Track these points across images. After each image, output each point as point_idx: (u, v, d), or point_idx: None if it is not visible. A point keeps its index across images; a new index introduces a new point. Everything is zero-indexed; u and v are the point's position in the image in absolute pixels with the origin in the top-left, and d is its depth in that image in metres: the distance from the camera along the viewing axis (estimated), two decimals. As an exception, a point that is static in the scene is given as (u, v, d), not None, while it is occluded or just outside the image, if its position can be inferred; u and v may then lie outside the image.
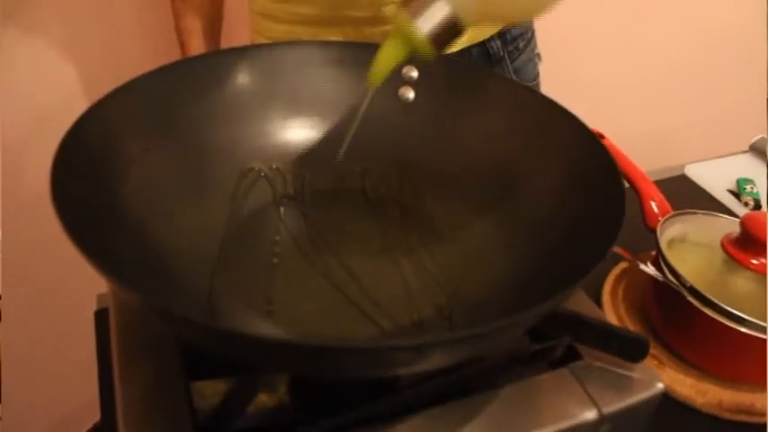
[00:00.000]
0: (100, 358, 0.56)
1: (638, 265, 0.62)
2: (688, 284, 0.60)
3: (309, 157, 0.55)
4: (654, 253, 0.65)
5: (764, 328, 0.57)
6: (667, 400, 0.60)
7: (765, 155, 0.92)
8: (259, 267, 0.48)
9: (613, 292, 0.70)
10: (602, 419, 0.42)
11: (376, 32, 0.73)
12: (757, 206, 0.83)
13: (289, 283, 0.47)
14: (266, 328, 0.44)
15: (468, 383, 0.42)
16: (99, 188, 0.42)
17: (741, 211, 0.82)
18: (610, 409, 0.42)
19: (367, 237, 0.52)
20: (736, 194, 0.86)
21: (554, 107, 0.49)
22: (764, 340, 0.57)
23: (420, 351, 0.32)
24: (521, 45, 0.87)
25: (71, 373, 1.00)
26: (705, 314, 0.58)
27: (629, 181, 0.73)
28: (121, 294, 0.46)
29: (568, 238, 0.44)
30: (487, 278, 0.47)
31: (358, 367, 0.34)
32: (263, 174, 0.53)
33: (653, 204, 0.70)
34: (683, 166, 0.90)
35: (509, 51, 0.85)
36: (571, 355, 0.46)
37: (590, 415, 0.42)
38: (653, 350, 0.64)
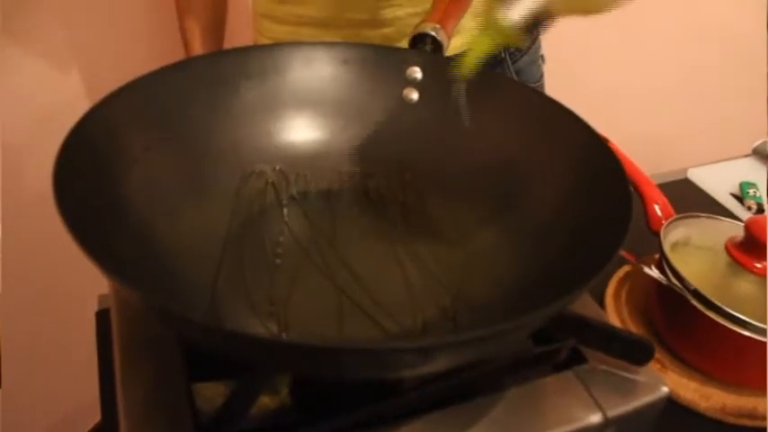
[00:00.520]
0: (101, 359, 0.55)
1: (641, 269, 0.61)
2: (692, 288, 0.59)
3: (313, 158, 0.54)
4: (657, 256, 0.64)
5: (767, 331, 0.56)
6: (670, 404, 0.60)
7: (768, 159, 0.92)
8: (262, 268, 0.47)
9: (616, 295, 0.70)
10: (607, 423, 0.42)
11: (375, 35, 0.73)
12: (760, 210, 0.83)
13: (291, 284, 0.47)
14: (268, 329, 0.43)
15: (471, 386, 0.42)
16: (101, 187, 0.42)
17: (744, 214, 0.82)
18: (614, 412, 0.42)
19: (370, 238, 0.51)
20: (740, 198, 0.85)
21: (560, 109, 0.49)
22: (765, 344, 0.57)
23: (423, 353, 0.31)
24: (523, 46, 0.86)
25: (71, 373, 1.00)
26: (709, 318, 0.58)
27: (632, 184, 0.73)
28: (123, 294, 0.46)
29: (574, 240, 0.44)
30: (492, 280, 0.47)
31: (360, 368, 0.34)
32: (266, 175, 0.53)
33: (656, 208, 0.70)
34: (685, 170, 0.90)
35: (510, 53, 0.85)
36: (576, 359, 0.46)
37: (595, 418, 0.42)
38: (656, 353, 0.64)
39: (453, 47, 0.60)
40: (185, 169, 0.49)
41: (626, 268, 0.73)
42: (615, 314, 0.67)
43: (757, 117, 1.15)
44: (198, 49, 0.78)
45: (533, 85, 0.90)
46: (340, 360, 0.32)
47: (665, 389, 0.44)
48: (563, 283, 0.37)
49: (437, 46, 0.57)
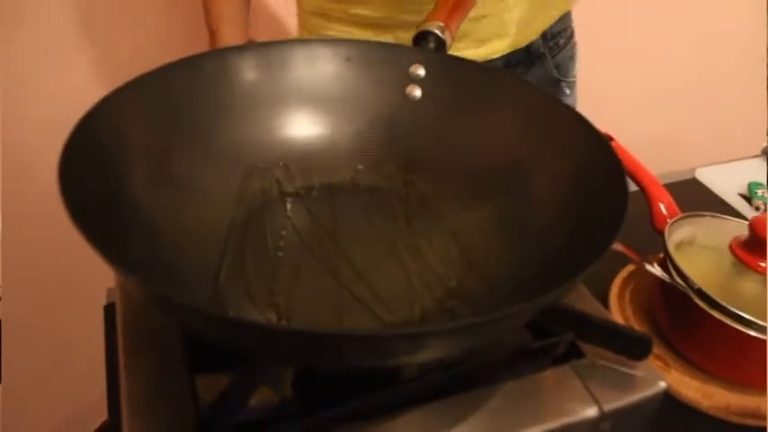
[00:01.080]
0: (108, 353, 0.56)
1: (644, 266, 0.61)
2: (696, 287, 0.59)
3: (316, 154, 0.55)
4: (662, 255, 0.64)
5: (771, 330, 0.56)
6: (673, 403, 0.60)
7: (777, 159, 0.92)
8: (264, 261, 0.48)
9: (620, 294, 0.70)
10: (603, 417, 0.42)
11: None
12: (768, 210, 0.83)
13: (292, 277, 0.47)
14: (268, 320, 0.44)
15: (469, 379, 0.42)
16: (106, 181, 0.43)
17: (752, 215, 0.82)
18: (611, 406, 0.42)
19: (371, 233, 0.52)
20: (748, 198, 0.85)
21: (561, 107, 0.49)
22: (770, 343, 0.57)
23: (416, 340, 0.32)
24: (561, 42, 0.89)
25: (76, 373, 1.01)
26: (712, 317, 0.58)
27: (637, 183, 0.73)
28: (127, 285, 0.47)
29: (572, 237, 0.44)
30: (490, 274, 0.47)
31: (355, 356, 0.35)
32: (269, 170, 0.54)
33: (661, 206, 0.70)
34: (693, 170, 0.90)
35: (549, 47, 0.87)
36: (574, 353, 0.46)
37: (591, 412, 0.42)
38: (658, 351, 0.64)
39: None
40: (190, 163, 0.50)
41: (630, 268, 0.73)
42: (619, 313, 0.67)
43: (764, 117, 1.14)
44: (227, 35, 0.77)
45: (569, 81, 0.93)
46: (335, 347, 0.32)
47: (662, 384, 0.44)
48: (559, 277, 0.37)
49: (440, 44, 0.57)
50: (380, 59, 0.56)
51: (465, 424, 0.40)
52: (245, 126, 0.53)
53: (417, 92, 0.57)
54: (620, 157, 0.77)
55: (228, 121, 0.52)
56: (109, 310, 0.58)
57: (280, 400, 0.43)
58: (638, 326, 0.66)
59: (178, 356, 0.43)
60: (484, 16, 0.78)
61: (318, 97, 0.55)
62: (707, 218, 0.68)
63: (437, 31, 0.57)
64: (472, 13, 0.72)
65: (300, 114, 0.55)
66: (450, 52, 0.58)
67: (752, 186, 0.85)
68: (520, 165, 0.51)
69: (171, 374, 0.42)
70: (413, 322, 0.44)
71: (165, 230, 0.46)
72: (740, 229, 0.64)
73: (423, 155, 0.55)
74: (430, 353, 0.35)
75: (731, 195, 0.86)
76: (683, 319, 0.63)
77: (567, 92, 0.94)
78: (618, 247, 0.60)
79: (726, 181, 0.88)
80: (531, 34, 0.85)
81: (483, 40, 0.80)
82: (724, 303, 0.58)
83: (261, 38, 0.66)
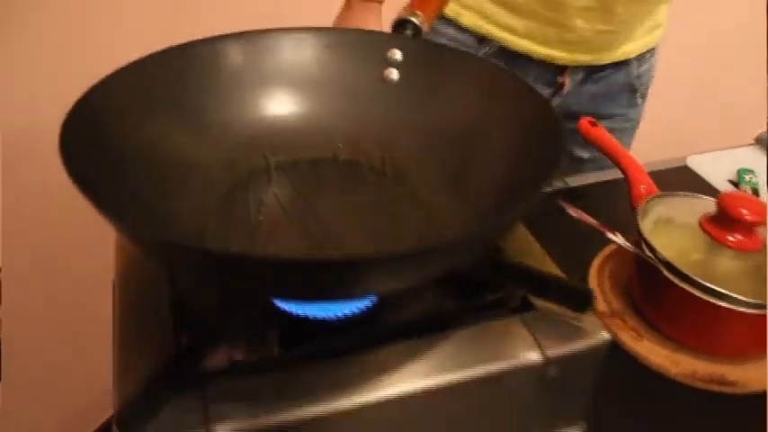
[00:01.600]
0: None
1: (608, 236, 0.64)
2: (664, 260, 0.62)
3: (299, 131, 0.60)
4: (639, 233, 0.67)
5: (738, 300, 0.59)
6: (643, 371, 0.63)
7: (769, 147, 0.93)
8: (244, 224, 0.53)
9: (600, 270, 0.73)
10: (548, 362, 0.46)
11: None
12: (755, 195, 0.84)
13: (268, 236, 0.52)
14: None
15: (422, 327, 0.47)
16: (101, 148, 0.47)
17: (739, 200, 0.83)
18: (554, 352, 0.46)
19: (347, 201, 0.57)
20: (736, 185, 0.87)
21: (514, 79, 0.53)
22: (738, 313, 0.59)
23: (382, 265, 0.36)
24: (647, 55, 0.96)
25: (76, 373, 1.04)
26: (680, 288, 0.61)
27: (619, 166, 0.76)
28: (121, 241, 0.53)
29: (520, 175, 0.48)
30: (451, 226, 0.52)
31: (329, 285, 0.39)
32: (256, 146, 0.58)
33: (642, 189, 0.73)
34: (685, 158, 0.92)
35: (637, 58, 0.95)
36: (526, 308, 0.49)
37: (534, 356, 0.45)
38: (632, 323, 0.66)
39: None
40: (181, 140, 0.55)
41: (612, 247, 0.75)
42: (597, 286, 0.70)
43: (761, 107, 1.15)
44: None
45: (643, 92, 0.99)
46: (297, 274, 0.37)
47: (605, 335, 0.47)
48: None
49: (417, 31, 0.62)
50: (360, 45, 0.61)
51: (418, 364, 0.44)
52: (233, 106, 0.58)
53: (395, 74, 0.61)
54: (604, 142, 0.80)
55: (219, 101, 0.57)
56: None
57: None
58: (614, 299, 0.69)
59: (165, 312, 0.48)
60: (613, 32, 0.87)
61: (302, 79, 0.60)
62: (680, 197, 0.70)
63: (414, 20, 0.62)
64: (601, 26, 0.84)
65: (285, 95, 0.60)
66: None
67: (741, 172, 0.87)
68: (479, 128, 0.55)
69: (158, 322, 0.47)
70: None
71: (156, 197, 0.51)
72: (712, 207, 0.67)
73: (398, 132, 0.60)
74: (394, 281, 0.40)
75: (721, 182, 0.88)
76: (653, 291, 0.65)
77: (639, 102, 0.99)
78: (589, 220, 0.64)
79: (717, 168, 0.90)
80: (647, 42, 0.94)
81: (597, 50, 0.89)
82: (690, 274, 0.60)
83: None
